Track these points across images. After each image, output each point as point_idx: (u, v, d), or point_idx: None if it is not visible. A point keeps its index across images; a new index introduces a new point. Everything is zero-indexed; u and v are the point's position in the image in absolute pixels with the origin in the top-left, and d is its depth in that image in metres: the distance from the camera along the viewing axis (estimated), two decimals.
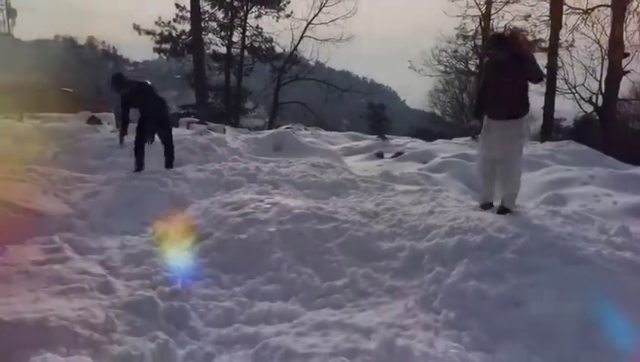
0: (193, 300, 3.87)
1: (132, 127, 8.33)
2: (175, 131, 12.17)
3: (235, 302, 3.96)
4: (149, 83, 8.37)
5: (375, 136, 16.38)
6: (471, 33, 30.76)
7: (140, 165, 8.05)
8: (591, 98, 24.92)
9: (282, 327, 3.59)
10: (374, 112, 35.11)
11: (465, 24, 30.40)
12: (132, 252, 4.72)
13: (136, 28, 31.66)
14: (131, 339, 3.26)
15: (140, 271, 4.26)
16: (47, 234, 4.83)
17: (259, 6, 33.97)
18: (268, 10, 33.91)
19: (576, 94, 25.33)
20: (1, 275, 3.88)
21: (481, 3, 29.16)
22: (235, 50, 34.99)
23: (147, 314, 3.53)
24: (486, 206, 5.64)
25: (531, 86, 5.43)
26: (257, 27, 34.62)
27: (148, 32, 32.54)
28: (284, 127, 19.72)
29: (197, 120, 17.79)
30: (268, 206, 5.42)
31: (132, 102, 8.18)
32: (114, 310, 3.47)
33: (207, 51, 32.34)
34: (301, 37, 33.11)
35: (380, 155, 13.02)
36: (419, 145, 14.30)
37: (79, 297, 3.61)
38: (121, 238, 5.17)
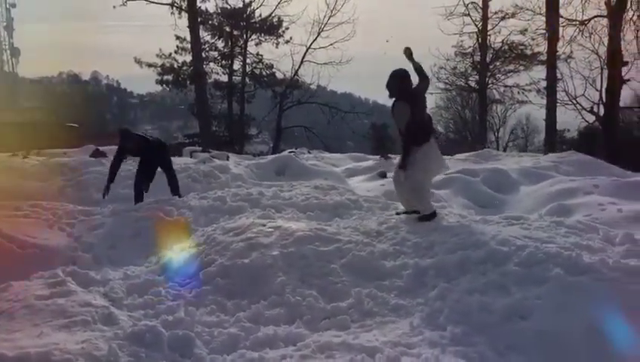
0: (197, 328, 3.83)
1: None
2: (178, 160, 12.26)
3: (239, 327, 3.92)
4: (156, 141, 8.46)
5: (377, 156, 16.37)
6: (469, 50, 31.00)
7: (137, 199, 8.02)
8: (592, 108, 24.95)
9: (287, 351, 3.55)
10: (377, 133, 35.28)
11: (462, 41, 30.69)
12: (135, 282, 4.71)
13: (138, 61, 32.11)
14: None
15: (144, 301, 4.24)
16: (51, 268, 4.83)
17: (258, 34, 34.37)
18: (267, 37, 34.27)
19: (577, 105, 25.39)
20: (6, 311, 3.88)
21: (477, 20, 29.49)
22: (236, 78, 35.34)
23: (151, 344, 3.49)
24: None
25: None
26: (258, 54, 35.00)
27: (150, 65, 33.00)
28: (287, 151, 19.77)
29: (200, 148, 17.87)
30: (270, 230, 5.41)
31: (132, 153, 8.28)
32: (117, 341, 3.44)
33: (209, 80, 32.68)
34: (301, 62, 33.30)
35: (382, 175, 12.97)
36: None
37: (82, 330, 3.59)
38: (124, 269, 5.17)
